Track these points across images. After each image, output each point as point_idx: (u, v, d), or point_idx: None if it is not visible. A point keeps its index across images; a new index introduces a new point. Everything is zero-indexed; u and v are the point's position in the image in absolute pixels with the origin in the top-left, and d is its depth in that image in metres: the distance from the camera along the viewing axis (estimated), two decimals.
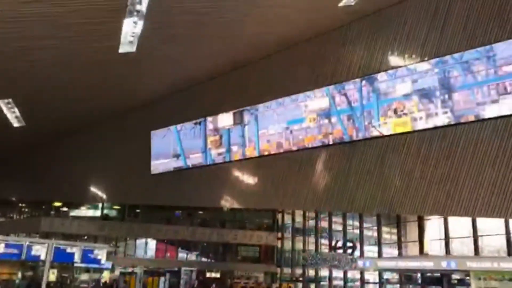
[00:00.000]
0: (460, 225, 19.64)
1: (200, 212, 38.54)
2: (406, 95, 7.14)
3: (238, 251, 38.17)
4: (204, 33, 15.76)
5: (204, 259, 37.70)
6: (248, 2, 13.74)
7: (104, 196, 29.48)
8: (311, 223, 31.01)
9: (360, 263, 16.98)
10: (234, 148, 15.34)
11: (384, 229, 24.52)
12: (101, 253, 23.07)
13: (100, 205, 37.77)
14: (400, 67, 11.78)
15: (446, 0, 13.77)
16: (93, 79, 19.48)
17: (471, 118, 6.54)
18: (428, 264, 14.83)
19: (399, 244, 22.74)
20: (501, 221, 17.88)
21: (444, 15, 13.90)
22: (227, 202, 22.36)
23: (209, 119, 17.48)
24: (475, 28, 13.07)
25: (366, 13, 15.54)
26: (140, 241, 36.99)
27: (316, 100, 10.13)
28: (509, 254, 17.56)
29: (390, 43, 15.69)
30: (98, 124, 27.41)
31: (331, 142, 8.34)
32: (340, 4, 11.58)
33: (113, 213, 38.79)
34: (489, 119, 6.22)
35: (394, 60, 15.39)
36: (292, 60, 18.49)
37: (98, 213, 37.96)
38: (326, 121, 8.42)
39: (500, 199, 14.16)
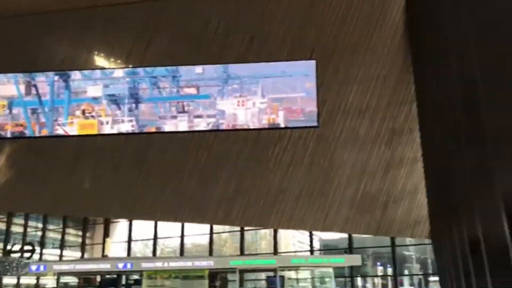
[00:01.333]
0: (146, 228, 20.92)
1: None
2: (96, 98, 7.16)
3: None
4: None
5: None
6: None
7: None
8: None
9: (33, 267, 15.75)
10: None
11: (71, 231, 23.72)
12: None
13: None
14: (96, 69, 11.80)
15: (154, 17, 14.66)
16: None
17: (153, 129, 7.07)
18: (105, 266, 15.08)
19: (83, 247, 22.41)
20: (179, 225, 19.97)
21: (152, 31, 14.75)
22: None
23: None
24: (177, 47, 14.38)
25: (76, 6, 14.96)
26: None
27: (8, 86, 8.97)
28: (181, 255, 19.71)
29: (97, 44, 15.52)
30: None
31: (8, 135, 7.53)
32: None
33: None
34: (167, 132, 6.92)
35: (98, 61, 15.29)
36: None
37: None
38: (8, 111, 7.57)
39: (177, 206, 15.81)
